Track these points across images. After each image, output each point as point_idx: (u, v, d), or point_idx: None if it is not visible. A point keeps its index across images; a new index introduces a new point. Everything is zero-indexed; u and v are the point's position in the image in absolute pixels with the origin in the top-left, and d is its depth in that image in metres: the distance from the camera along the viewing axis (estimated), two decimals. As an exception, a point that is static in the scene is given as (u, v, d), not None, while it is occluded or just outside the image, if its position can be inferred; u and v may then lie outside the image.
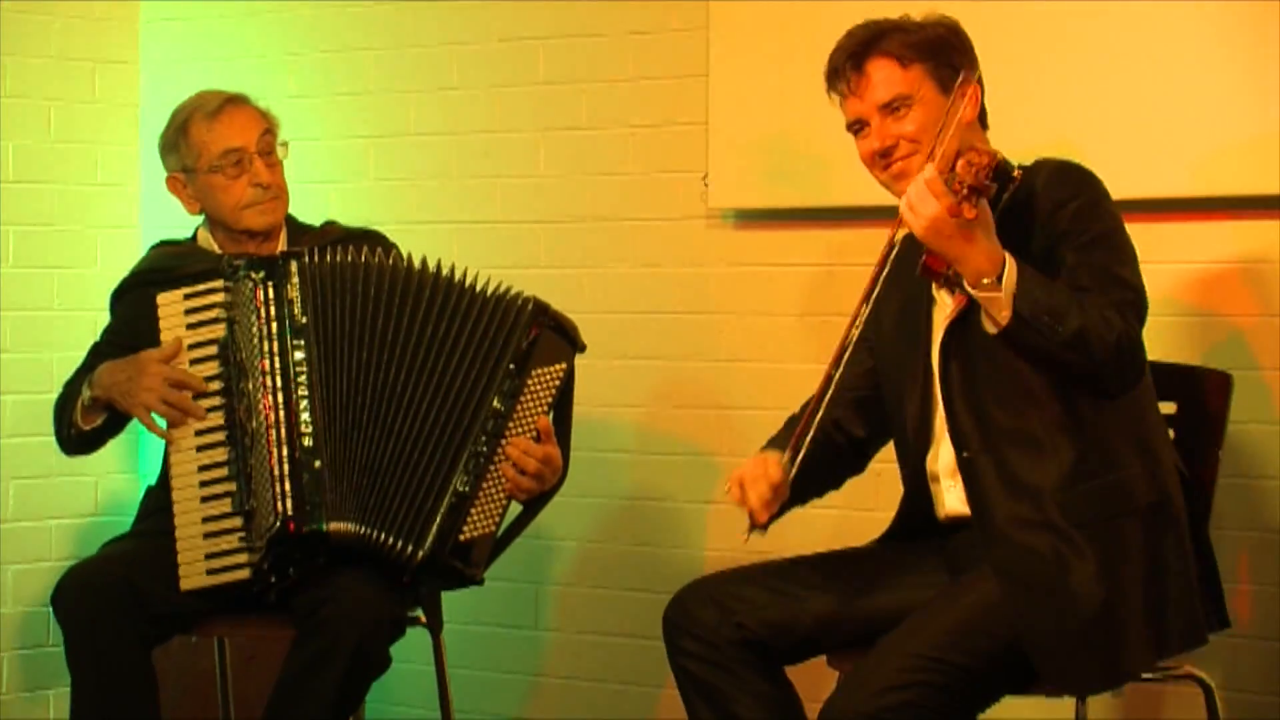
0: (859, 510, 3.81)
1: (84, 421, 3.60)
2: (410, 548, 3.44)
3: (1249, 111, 3.67)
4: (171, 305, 3.53)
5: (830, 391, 3.08)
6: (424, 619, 3.64)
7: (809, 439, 3.08)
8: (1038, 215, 3.03)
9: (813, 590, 3.19)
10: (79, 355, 3.77)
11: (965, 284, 2.92)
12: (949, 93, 3.09)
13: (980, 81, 3.15)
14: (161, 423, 3.50)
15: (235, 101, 3.76)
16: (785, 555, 3.34)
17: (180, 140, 3.73)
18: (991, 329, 2.94)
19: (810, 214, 4.15)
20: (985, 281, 2.90)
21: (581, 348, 3.59)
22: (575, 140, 4.46)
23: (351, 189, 4.69)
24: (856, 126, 3.16)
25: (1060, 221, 3.01)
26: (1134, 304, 3.00)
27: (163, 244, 3.86)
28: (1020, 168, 3.01)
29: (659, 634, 3.25)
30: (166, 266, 3.66)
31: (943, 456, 3.17)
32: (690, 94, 4.28)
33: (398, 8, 4.64)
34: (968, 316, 3.03)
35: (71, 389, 3.65)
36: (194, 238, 3.81)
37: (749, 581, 3.21)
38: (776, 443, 3.22)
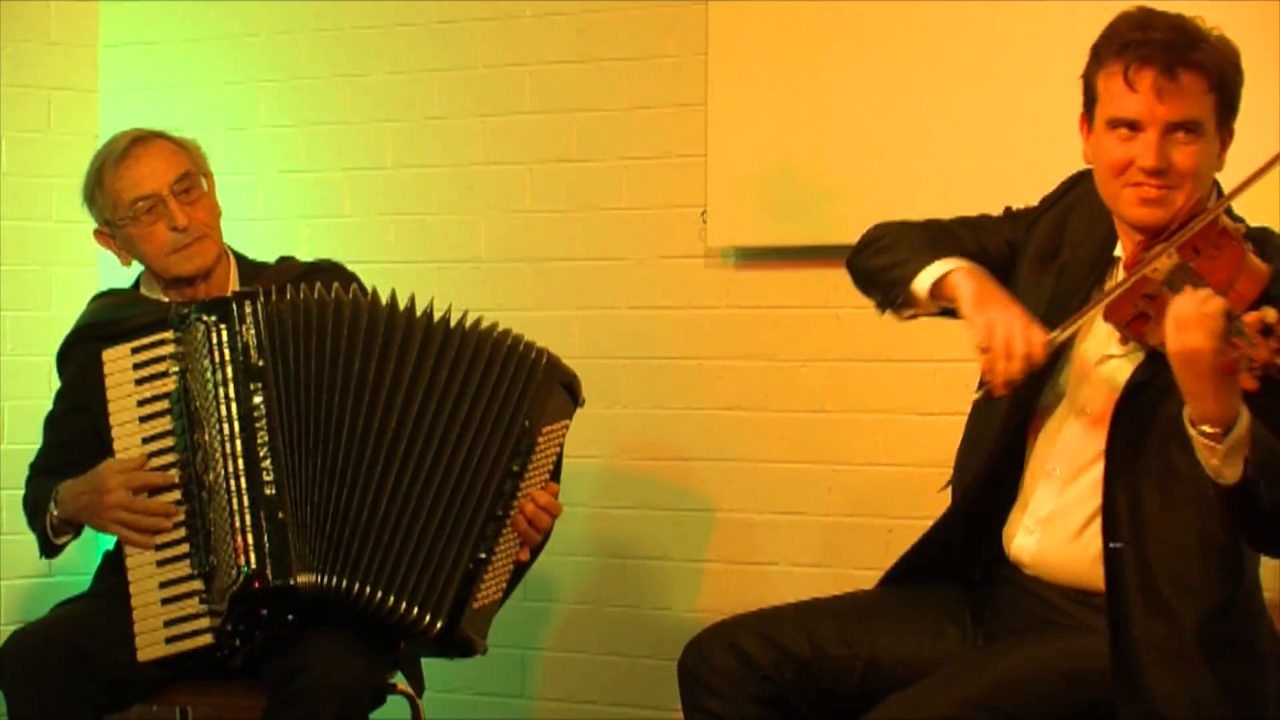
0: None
1: (56, 537, 3.60)
2: (428, 617, 3.41)
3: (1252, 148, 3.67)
4: (118, 361, 3.51)
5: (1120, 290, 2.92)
6: (402, 686, 3.60)
7: (1081, 322, 2.95)
8: None
9: (843, 644, 3.11)
10: (33, 404, 3.81)
11: (1185, 417, 2.81)
12: (1222, 134, 2.99)
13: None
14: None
15: (143, 141, 3.71)
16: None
17: (97, 192, 3.71)
18: (1217, 478, 2.81)
19: (816, 252, 4.13)
20: (1207, 429, 2.78)
21: (581, 403, 3.60)
22: (564, 173, 4.45)
23: (325, 225, 4.67)
24: (1124, 123, 2.97)
25: None
26: None
27: (103, 295, 3.84)
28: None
29: (664, 703, 3.16)
30: (111, 319, 3.63)
31: (1039, 499, 3.09)
32: (688, 124, 4.28)
33: (374, 33, 4.64)
34: (1142, 389, 2.95)
35: (40, 493, 3.63)
36: (136, 285, 3.79)
37: (777, 626, 3.12)
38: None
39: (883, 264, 3.19)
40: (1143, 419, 2.94)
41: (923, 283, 3.10)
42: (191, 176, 3.70)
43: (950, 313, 3.10)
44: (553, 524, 3.53)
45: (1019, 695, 2.91)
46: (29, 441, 3.80)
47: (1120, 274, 3.04)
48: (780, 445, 4.21)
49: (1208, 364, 2.72)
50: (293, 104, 4.72)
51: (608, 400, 4.34)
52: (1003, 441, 3.11)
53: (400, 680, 3.62)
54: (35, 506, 3.63)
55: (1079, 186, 3.18)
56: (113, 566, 3.58)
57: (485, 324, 3.53)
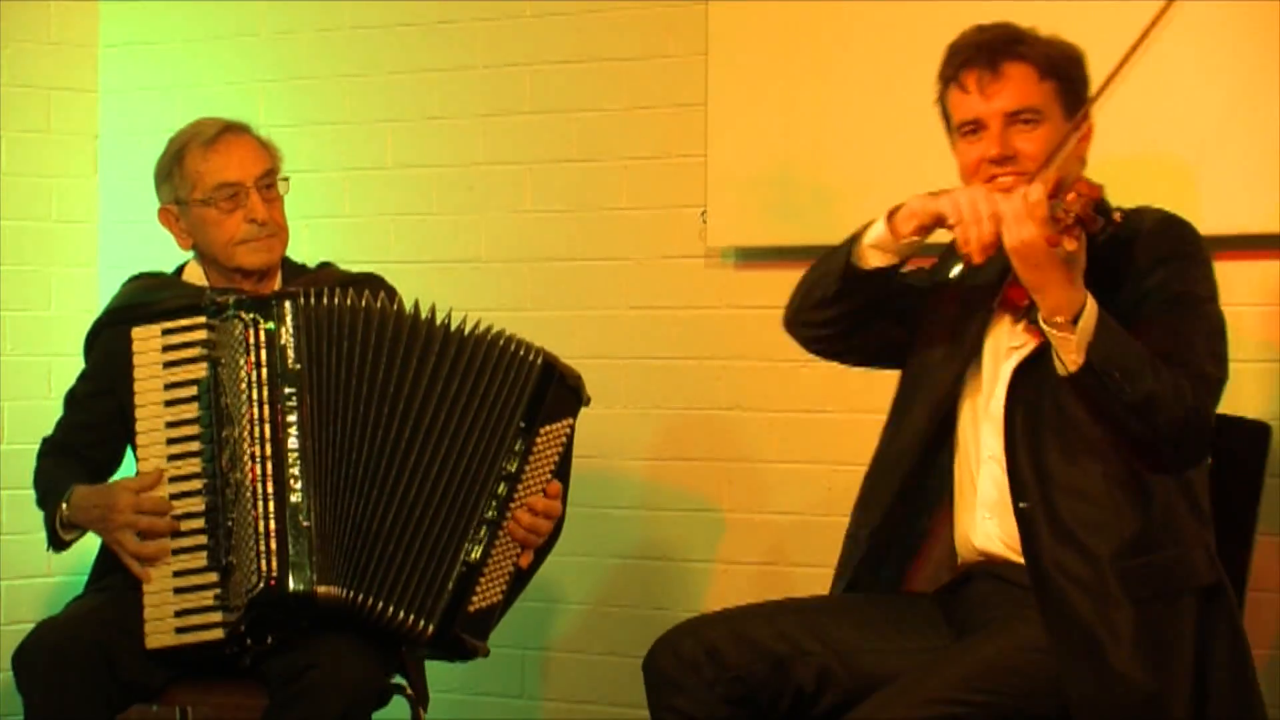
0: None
1: (64, 533, 3.59)
2: (422, 622, 3.42)
3: (1252, 148, 3.72)
4: (148, 341, 3.49)
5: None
6: (409, 690, 3.62)
7: (1052, 166, 3.04)
8: (1134, 265, 3.05)
9: (816, 641, 3.13)
10: (33, 404, 3.81)
11: (1039, 318, 2.95)
12: (1071, 120, 3.11)
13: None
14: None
15: (234, 130, 3.75)
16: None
17: (175, 170, 3.72)
18: (1061, 370, 2.96)
19: (816, 252, 3.97)
20: (1059, 320, 2.92)
21: (586, 401, 3.60)
22: (565, 173, 4.47)
23: (325, 225, 4.68)
24: (969, 128, 3.15)
25: (1152, 277, 3.03)
26: (1210, 380, 3.01)
27: (140, 277, 3.83)
28: (1120, 210, 3.02)
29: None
30: (144, 301, 3.64)
31: (986, 487, 3.15)
32: (688, 124, 4.31)
33: (374, 33, 4.67)
34: (1041, 356, 3.06)
35: (55, 476, 3.63)
36: (178, 272, 3.80)
37: (749, 624, 3.14)
38: None
39: (814, 270, 3.29)
40: (1037, 384, 3.05)
41: (875, 231, 3.14)
42: (273, 175, 3.75)
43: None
44: (553, 526, 3.53)
45: (989, 685, 2.95)
46: (29, 441, 3.80)
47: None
48: (780, 445, 4.23)
49: (1042, 251, 2.88)
50: (293, 104, 4.74)
51: (608, 400, 4.34)
52: (924, 444, 3.19)
53: (408, 686, 3.63)
54: (47, 492, 3.62)
55: None
56: (111, 563, 3.56)
57: (483, 327, 3.53)
